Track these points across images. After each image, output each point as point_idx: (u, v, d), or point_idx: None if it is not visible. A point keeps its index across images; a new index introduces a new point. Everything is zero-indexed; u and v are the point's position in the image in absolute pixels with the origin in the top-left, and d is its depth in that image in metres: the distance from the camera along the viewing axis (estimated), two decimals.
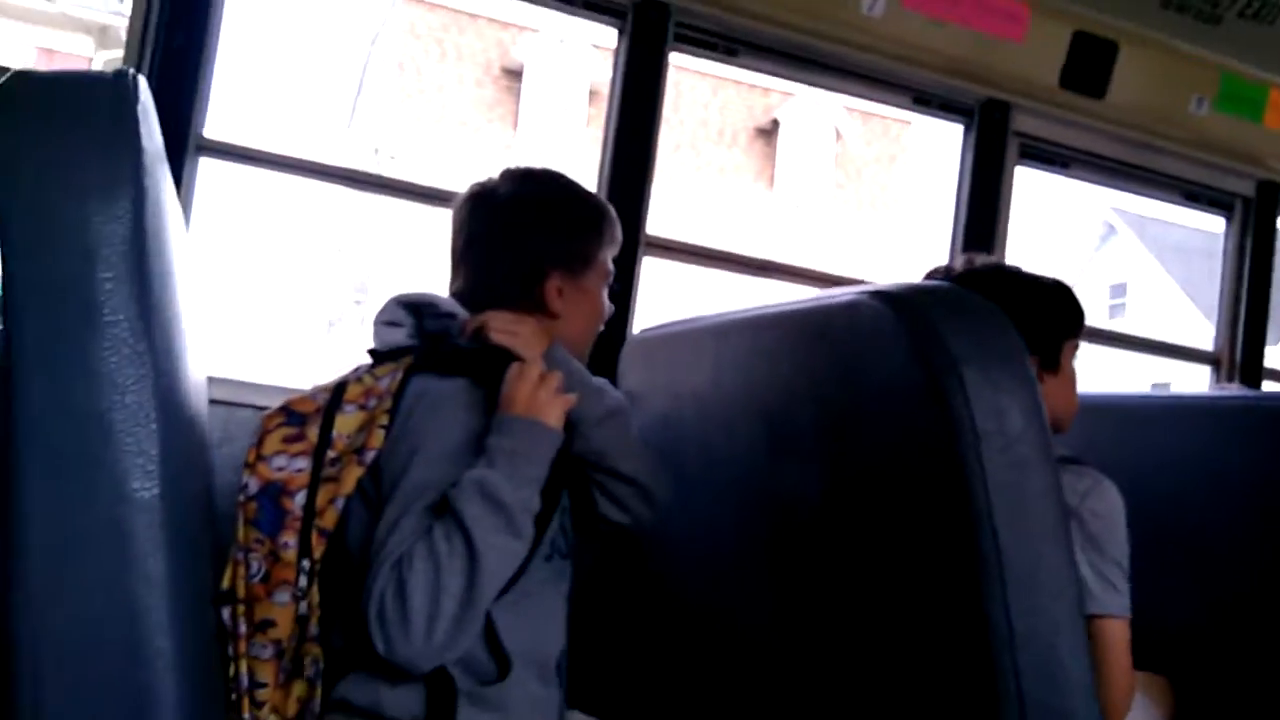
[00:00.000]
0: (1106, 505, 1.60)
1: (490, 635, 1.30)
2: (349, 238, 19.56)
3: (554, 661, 1.42)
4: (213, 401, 1.93)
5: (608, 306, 1.60)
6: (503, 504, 1.22)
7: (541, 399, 1.31)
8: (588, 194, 1.60)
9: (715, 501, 1.61)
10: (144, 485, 0.92)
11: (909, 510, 1.20)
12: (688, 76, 17.74)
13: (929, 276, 1.78)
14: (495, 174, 1.57)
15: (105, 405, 0.90)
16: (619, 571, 1.85)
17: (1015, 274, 1.74)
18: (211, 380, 1.92)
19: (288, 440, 1.34)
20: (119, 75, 0.96)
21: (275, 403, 2.00)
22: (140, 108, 0.95)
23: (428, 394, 1.33)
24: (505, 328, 1.41)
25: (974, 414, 1.15)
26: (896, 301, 1.28)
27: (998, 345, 1.22)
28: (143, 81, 1.00)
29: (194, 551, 1.10)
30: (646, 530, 1.59)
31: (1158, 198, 2.98)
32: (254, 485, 1.31)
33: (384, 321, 1.47)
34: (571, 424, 1.40)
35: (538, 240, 1.50)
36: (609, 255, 1.58)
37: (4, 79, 0.91)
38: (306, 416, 1.36)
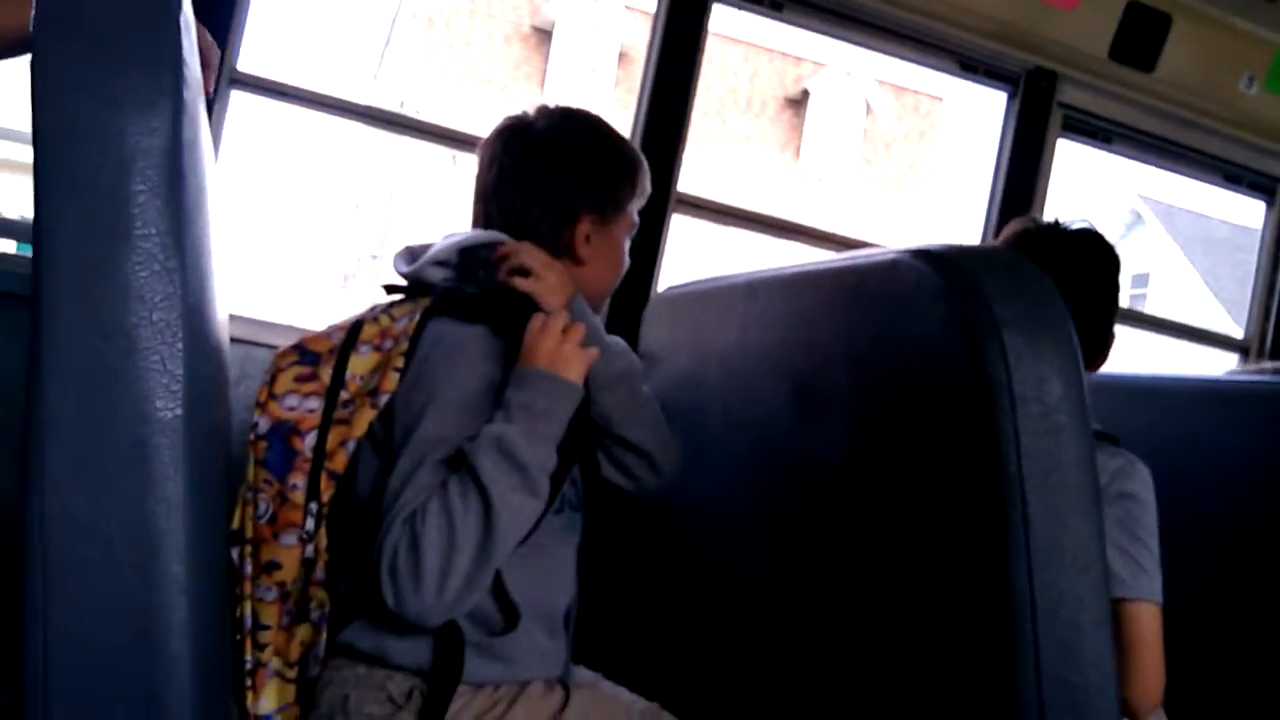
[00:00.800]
0: (1139, 486, 1.56)
1: (499, 588, 1.28)
2: (368, 195, 19.57)
3: (562, 614, 1.40)
4: (232, 340, 1.93)
5: (627, 260, 1.55)
6: (520, 462, 1.19)
7: (565, 353, 1.27)
8: (624, 141, 1.54)
9: (736, 462, 1.59)
10: (167, 405, 0.90)
11: (938, 474, 1.18)
12: (717, 42, 17.55)
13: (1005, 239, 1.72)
14: (530, 109, 1.50)
15: (132, 320, 0.88)
16: (634, 527, 1.83)
17: (1073, 233, 1.68)
18: (231, 318, 1.91)
19: (300, 379, 1.31)
20: None
21: (293, 341, 2.01)
22: (183, 21, 0.93)
23: (445, 339, 1.30)
24: (535, 267, 1.35)
25: (1013, 379, 1.12)
26: (940, 261, 1.25)
27: (1042, 311, 1.19)
28: None
29: (213, 480, 1.09)
30: (657, 493, 1.54)
31: (1199, 178, 2.92)
32: (264, 424, 1.28)
33: (433, 262, 1.41)
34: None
35: (574, 180, 1.44)
36: (637, 207, 1.53)
37: None
38: (320, 356, 1.33)
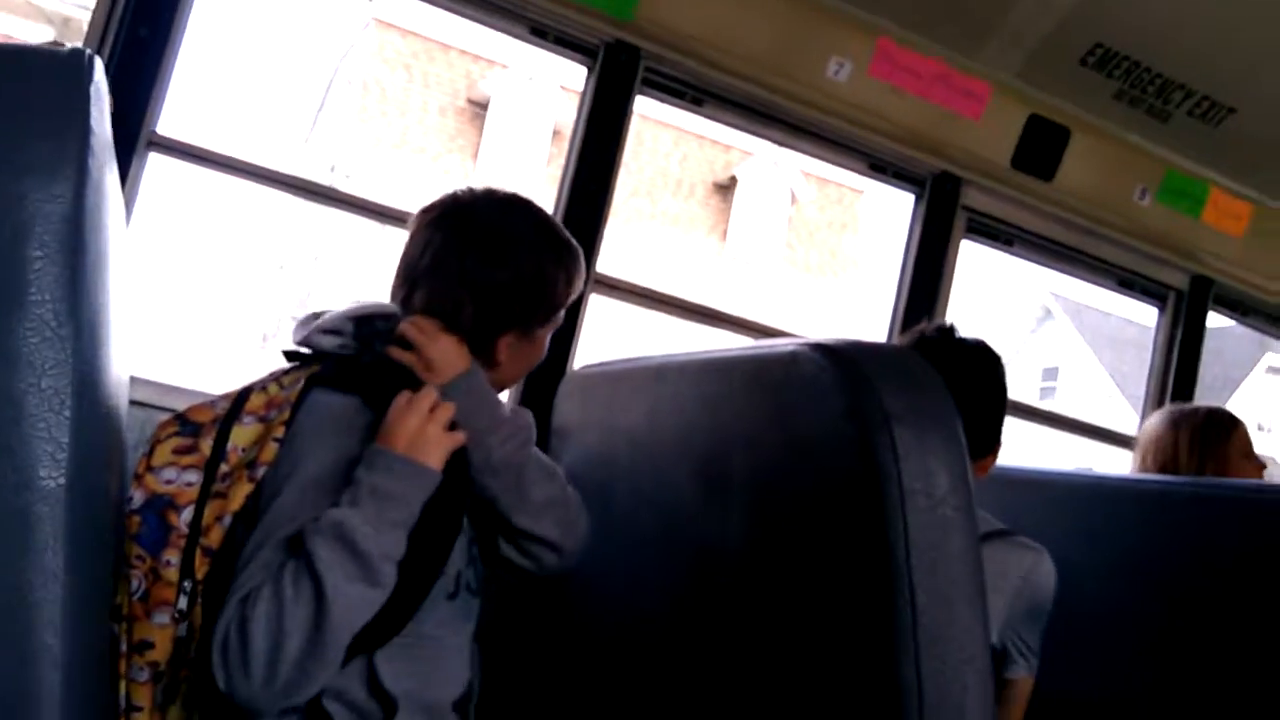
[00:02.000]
0: (1049, 581, 1.69)
1: (373, 679, 1.23)
2: (292, 255, 19.35)
3: (449, 704, 1.33)
4: (133, 403, 1.88)
5: (544, 352, 1.53)
6: (360, 551, 1.13)
7: (427, 434, 1.22)
8: (565, 238, 1.49)
9: (640, 542, 1.60)
10: (51, 474, 0.88)
11: (829, 562, 1.20)
12: (650, 126, 17.95)
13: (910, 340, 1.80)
14: (473, 188, 1.48)
15: (20, 387, 0.86)
16: (537, 604, 1.82)
17: (963, 340, 1.77)
18: (134, 380, 1.87)
19: (179, 451, 1.27)
20: (75, 54, 0.93)
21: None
22: (94, 88, 0.93)
23: (317, 409, 1.27)
24: (417, 338, 1.33)
25: (902, 471, 1.16)
26: (835, 355, 1.29)
27: (931, 407, 1.23)
28: (99, 64, 0.98)
29: (98, 550, 1.06)
30: (560, 570, 1.51)
31: (1095, 283, 3.06)
32: (139, 498, 1.23)
33: (322, 330, 1.38)
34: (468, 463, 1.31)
35: (510, 293, 1.41)
36: (569, 301, 1.50)
37: None
38: (202, 426, 1.29)
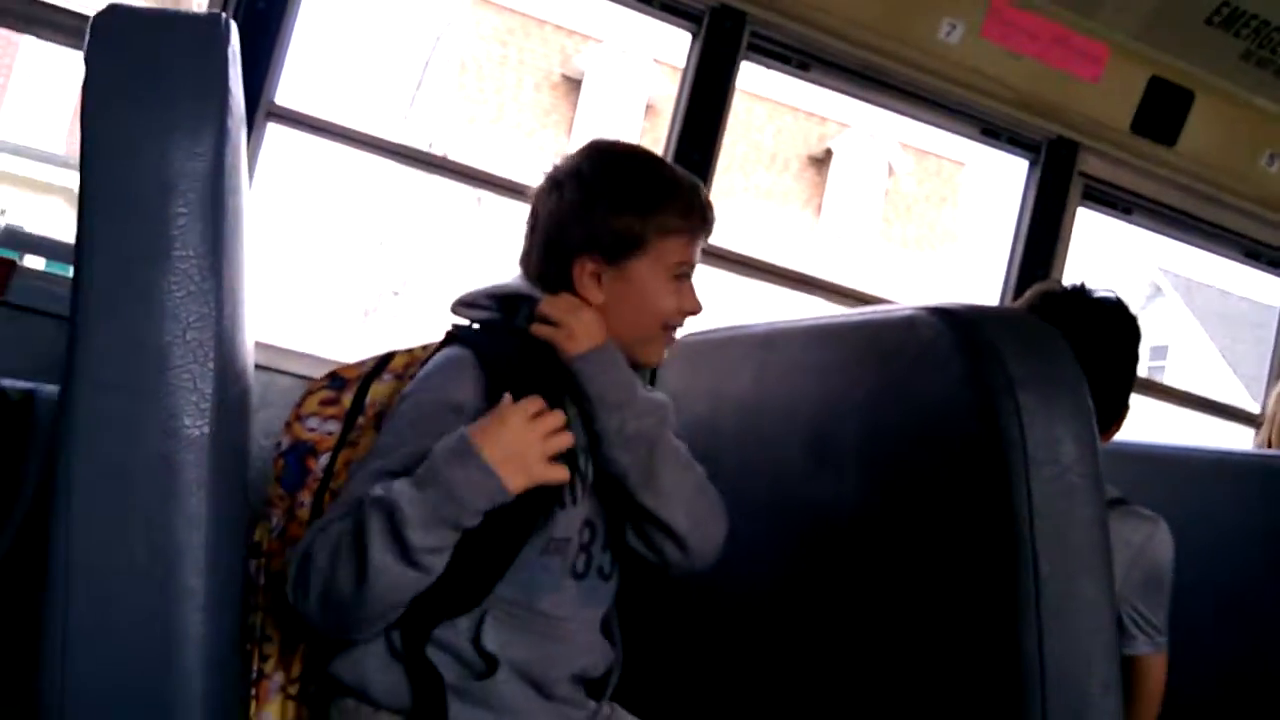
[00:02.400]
0: (1166, 552, 1.61)
1: (476, 638, 1.23)
2: (392, 233, 19.76)
3: (567, 678, 1.31)
4: (255, 366, 1.95)
5: (679, 302, 1.37)
6: (406, 541, 1.12)
7: (516, 450, 1.16)
8: (657, 169, 1.40)
9: (750, 511, 1.59)
10: (195, 423, 0.92)
11: (949, 531, 1.18)
12: (743, 99, 17.76)
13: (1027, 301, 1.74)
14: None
15: (167, 339, 0.90)
16: (660, 582, 1.83)
17: (1096, 300, 1.69)
18: (256, 344, 1.94)
19: (324, 403, 1.37)
20: (213, 18, 0.97)
21: (316, 372, 2.03)
22: (231, 52, 0.96)
23: (435, 358, 1.31)
24: (556, 314, 1.31)
25: (1027, 439, 1.13)
26: (956, 319, 1.26)
27: (1057, 371, 1.20)
28: (234, 29, 1.01)
29: (236, 497, 1.10)
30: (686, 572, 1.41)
31: (1217, 252, 2.93)
32: (286, 442, 1.35)
33: (463, 303, 1.40)
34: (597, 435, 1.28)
35: (571, 214, 1.35)
36: (674, 241, 1.35)
37: (100, 10, 0.92)
38: (347, 381, 1.39)
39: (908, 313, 1.37)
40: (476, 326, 1.38)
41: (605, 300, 1.34)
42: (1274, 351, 2.94)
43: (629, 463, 1.29)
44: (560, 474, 1.20)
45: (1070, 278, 2.57)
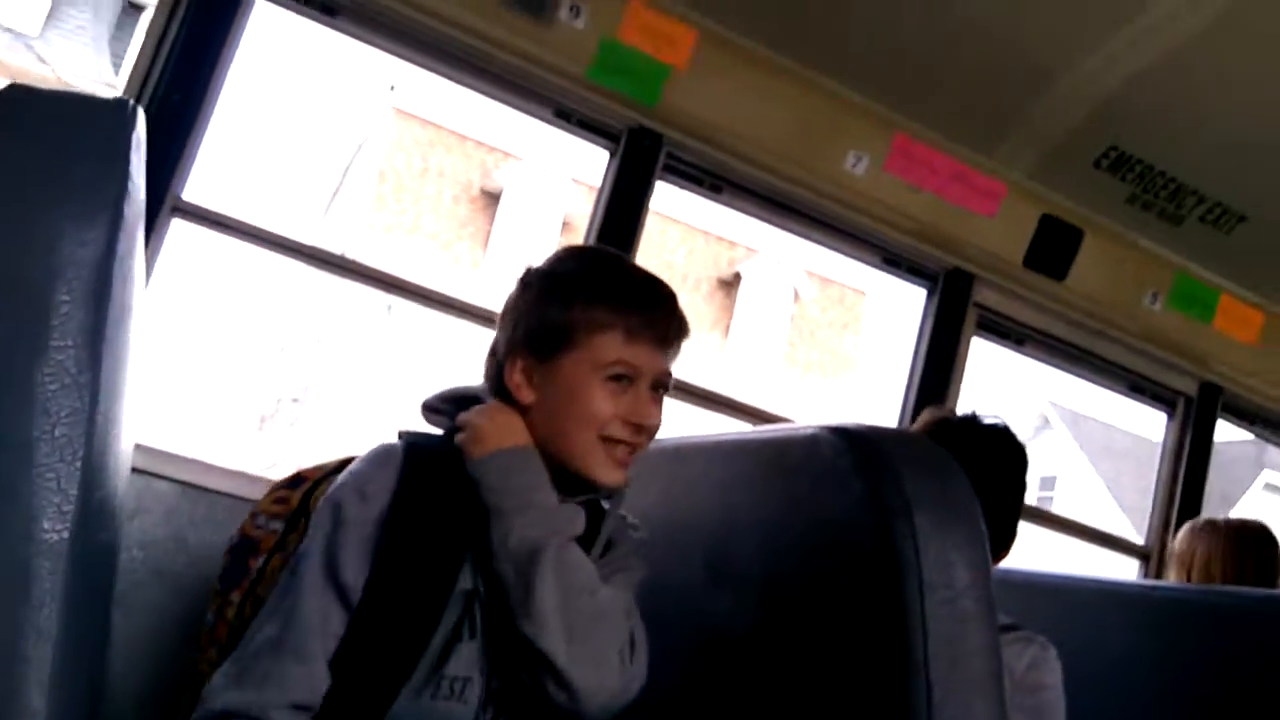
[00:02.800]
0: (1052, 677, 1.61)
1: None
2: (294, 338, 19.44)
3: None
4: (134, 470, 1.85)
5: (616, 408, 1.26)
6: None
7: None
8: (603, 262, 1.36)
9: (654, 628, 1.55)
10: (55, 527, 0.85)
11: (845, 654, 1.16)
12: (656, 221, 18.22)
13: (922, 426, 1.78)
14: None
15: (35, 433, 0.84)
16: None
17: (987, 427, 1.74)
18: (137, 447, 1.85)
19: (276, 501, 1.35)
20: (120, 102, 0.94)
21: (199, 479, 1.95)
22: (135, 138, 0.93)
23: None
24: (469, 418, 1.26)
25: (922, 562, 1.13)
26: (857, 440, 1.27)
27: (952, 496, 1.21)
28: (141, 115, 0.99)
29: (96, 610, 1.02)
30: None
31: (1104, 386, 3.05)
32: (235, 538, 1.34)
33: (426, 408, 1.36)
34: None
35: (509, 309, 1.32)
36: (608, 337, 1.26)
37: (2, 88, 0.89)
38: (303, 480, 1.36)
39: (811, 431, 1.38)
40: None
41: (536, 401, 1.27)
42: (1155, 487, 3.04)
43: (507, 577, 1.17)
44: None
45: (965, 405, 2.66)
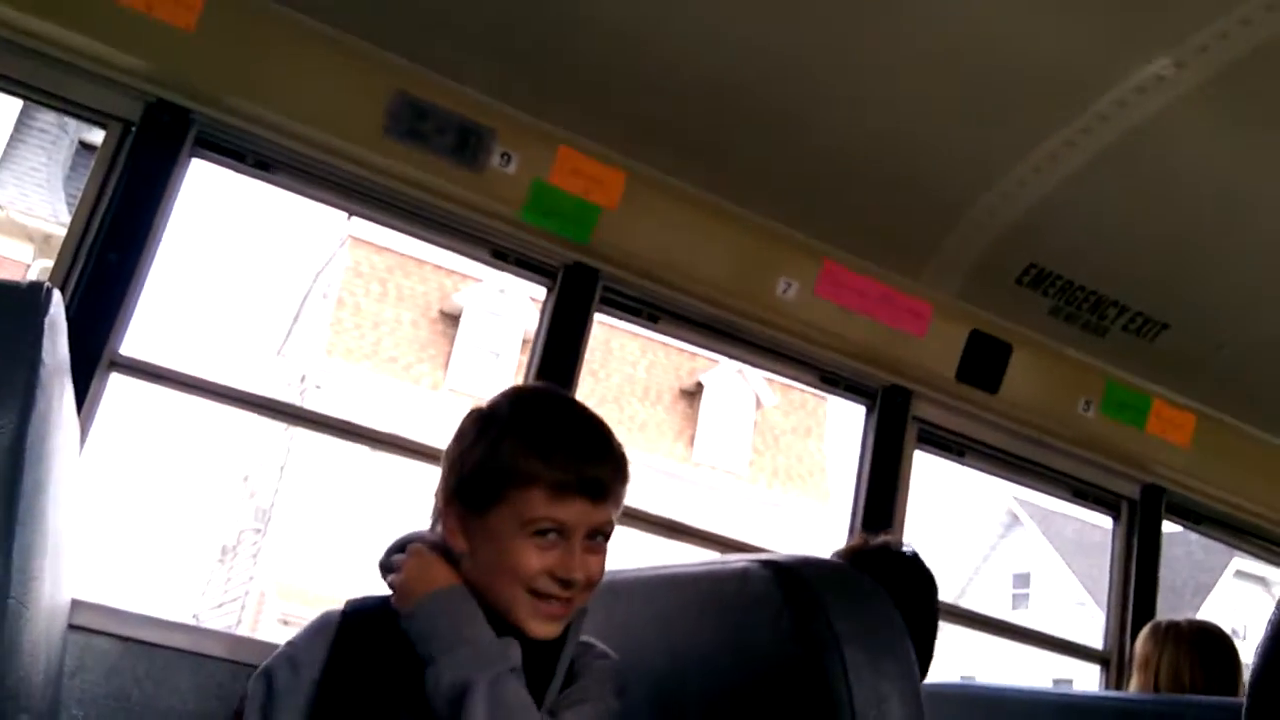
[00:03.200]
0: None
1: None
2: (256, 465, 19.18)
3: None
4: (72, 627, 1.82)
5: (543, 563, 1.28)
6: None
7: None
8: (540, 415, 1.35)
9: None
10: None
11: None
12: (618, 335, 18.40)
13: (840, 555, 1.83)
14: None
15: None
16: None
17: (899, 555, 1.81)
18: (76, 604, 1.82)
19: None
20: (33, 288, 0.97)
21: (141, 633, 1.91)
22: (48, 321, 0.96)
23: None
24: (397, 575, 1.31)
25: (854, 697, 1.14)
26: (785, 573, 1.29)
27: (881, 627, 1.23)
28: (57, 297, 1.02)
29: None
30: None
31: (1049, 493, 3.09)
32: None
33: (380, 565, 1.38)
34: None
35: (451, 458, 1.34)
36: (534, 494, 1.27)
37: None
38: None
39: (742, 565, 1.39)
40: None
41: (469, 550, 1.30)
42: (1109, 591, 3.06)
43: (442, 717, 1.18)
44: None
45: (923, 514, 2.69)
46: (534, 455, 1.27)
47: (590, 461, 1.30)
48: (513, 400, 1.38)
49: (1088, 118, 2.25)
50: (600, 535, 1.32)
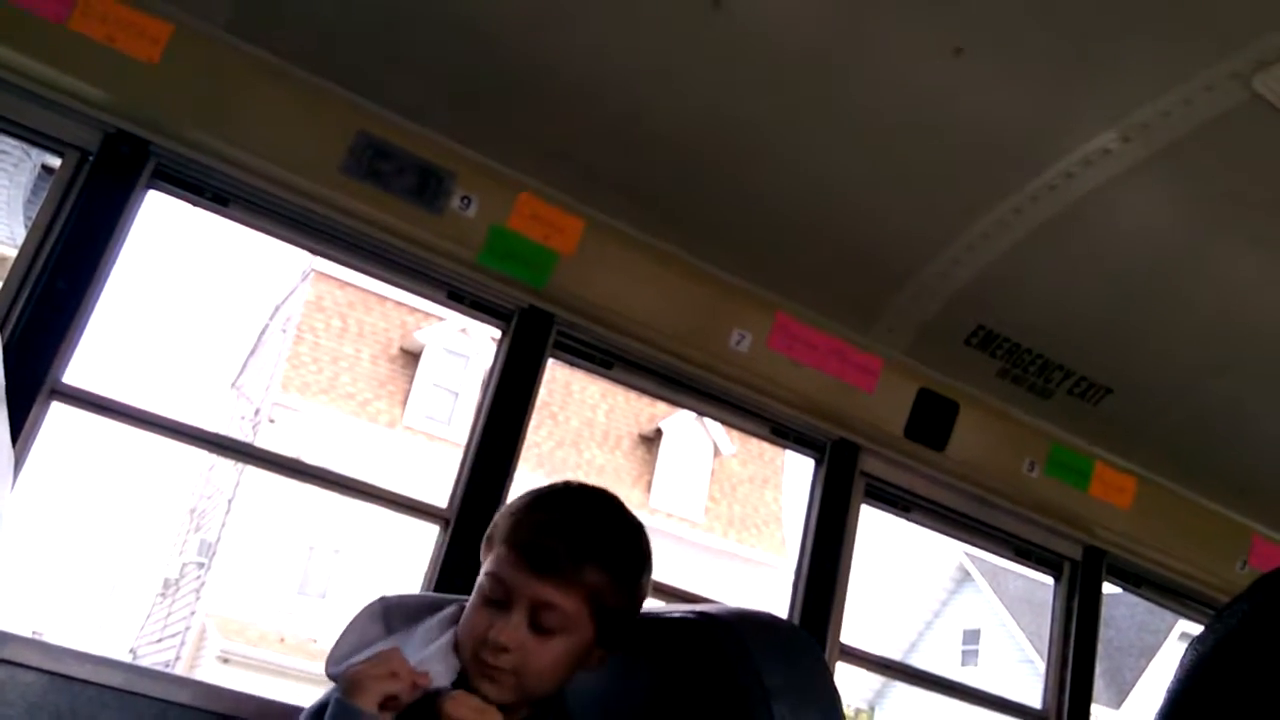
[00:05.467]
0: None
1: None
2: (203, 498, 18.87)
3: None
4: (3, 661, 1.78)
5: (477, 627, 1.35)
6: None
7: (361, 676, 1.26)
8: (549, 493, 1.45)
9: None
10: None
11: None
12: (578, 378, 18.40)
13: None
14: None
15: None
16: None
17: None
18: (7, 638, 1.79)
19: None
20: None
21: (68, 668, 1.87)
22: None
23: None
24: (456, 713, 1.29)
25: None
26: (719, 626, 1.30)
27: (812, 682, 1.24)
28: None
29: None
30: None
31: (992, 551, 3.12)
32: None
33: None
34: None
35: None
36: (494, 559, 1.38)
37: None
38: None
39: (678, 615, 1.40)
40: None
41: None
42: (1049, 649, 3.08)
43: None
44: (399, 684, 1.25)
45: (872, 569, 2.71)
46: (517, 515, 1.39)
47: (554, 535, 1.36)
48: (557, 485, 1.48)
49: (1035, 187, 2.32)
50: (548, 616, 1.34)
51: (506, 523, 1.39)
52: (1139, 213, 2.42)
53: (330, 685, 1.35)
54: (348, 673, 1.28)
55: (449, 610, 1.44)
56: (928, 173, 2.30)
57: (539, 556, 1.34)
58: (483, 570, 1.38)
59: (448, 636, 1.37)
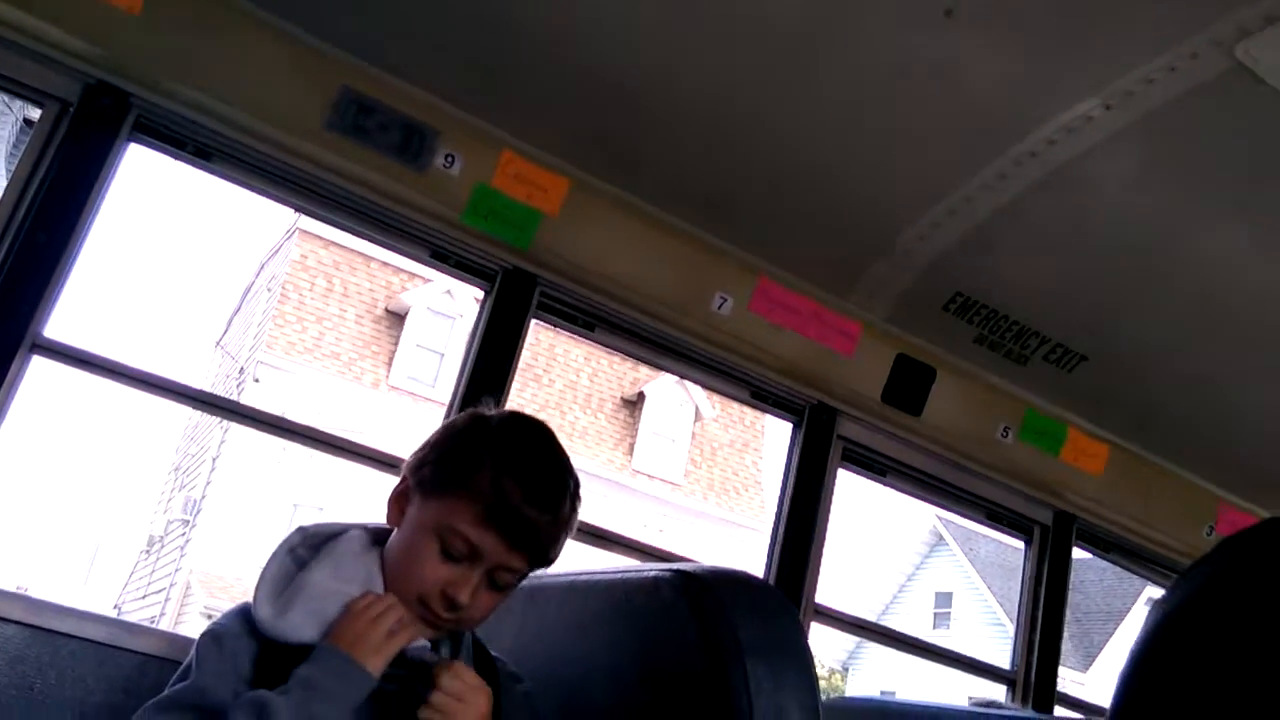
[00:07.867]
0: None
1: None
2: (188, 456, 18.81)
3: None
4: None
5: (435, 577, 1.35)
6: None
7: (369, 637, 1.28)
8: (526, 449, 1.42)
9: None
10: None
11: None
12: (562, 341, 18.39)
13: None
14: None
15: None
16: None
17: None
18: None
19: None
20: None
21: (49, 622, 1.88)
22: None
23: None
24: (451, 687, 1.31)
25: (754, 708, 1.18)
26: (694, 583, 1.32)
27: (785, 638, 1.27)
28: None
29: None
30: None
31: (964, 515, 3.17)
32: None
33: None
34: None
35: (431, 442, 1.46)
36: (459, 506, 1.35)
37: None
38: None
39: (652, 574, 1.42)
40: None
41: (400, 522, 1.43)
42: (1018, 612, 3.14)
43: None
44: (405, 636, 1.30)
45: (847, 531, 2.75)
46: (490, 473, 1.35)
47: (534, 507, 1.37)
48: (509, 419, 1.49)
49: (1018, 153, 2.32)
50: (506, 576, 1.39)
51: (469, 473, 1.36)
52: (1120, 181, 2.43)
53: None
54: (353, 626, 1.29)
55: (354, 534, 1.44)
56: (911, 138, 2.31)
57: (519, 532, 1.36)
58: (435, 516, 1.35)
59: (375, 573, 1.39)
